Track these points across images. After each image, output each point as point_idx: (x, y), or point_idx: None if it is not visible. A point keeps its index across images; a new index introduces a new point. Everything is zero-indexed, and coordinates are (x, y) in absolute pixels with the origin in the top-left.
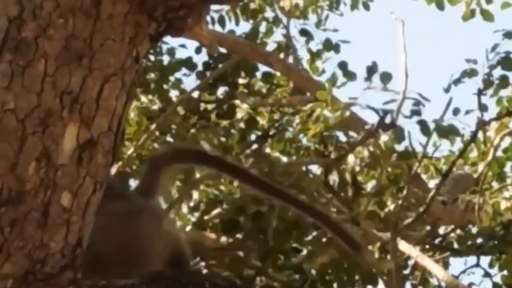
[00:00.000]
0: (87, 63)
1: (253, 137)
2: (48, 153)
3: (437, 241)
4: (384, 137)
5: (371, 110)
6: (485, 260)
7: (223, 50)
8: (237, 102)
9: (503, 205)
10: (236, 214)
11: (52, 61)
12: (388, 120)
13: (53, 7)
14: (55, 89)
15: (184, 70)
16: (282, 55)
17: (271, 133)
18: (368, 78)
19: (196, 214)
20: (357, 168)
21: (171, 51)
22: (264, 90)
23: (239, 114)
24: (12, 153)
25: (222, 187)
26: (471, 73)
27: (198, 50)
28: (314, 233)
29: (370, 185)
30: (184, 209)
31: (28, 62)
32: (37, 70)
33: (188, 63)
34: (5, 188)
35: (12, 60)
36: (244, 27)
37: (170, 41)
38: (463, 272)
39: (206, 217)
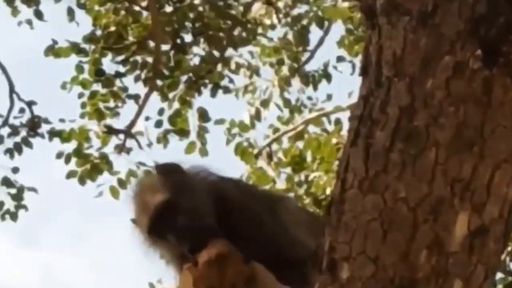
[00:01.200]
0: (478, 151)
1: None
2: (440, 241)
3: None
4: None
5: None
6: None
7: None
8: None
9: None
10: None
11: (443, 150)
12: None
13: (444, 95)
14: (446, 177)
15: None
16: None
17: None
18: None
19: None
20: None
21: None
22: None
23: None
24: (404, 242)
25: None
26: None
27: None
28: None
29: None
30: None
31: (419, 151)
32: (428, 159)
33: None
34: (397, 276)
35: (403, 149)
36: None
37: None
38: None
39: None
